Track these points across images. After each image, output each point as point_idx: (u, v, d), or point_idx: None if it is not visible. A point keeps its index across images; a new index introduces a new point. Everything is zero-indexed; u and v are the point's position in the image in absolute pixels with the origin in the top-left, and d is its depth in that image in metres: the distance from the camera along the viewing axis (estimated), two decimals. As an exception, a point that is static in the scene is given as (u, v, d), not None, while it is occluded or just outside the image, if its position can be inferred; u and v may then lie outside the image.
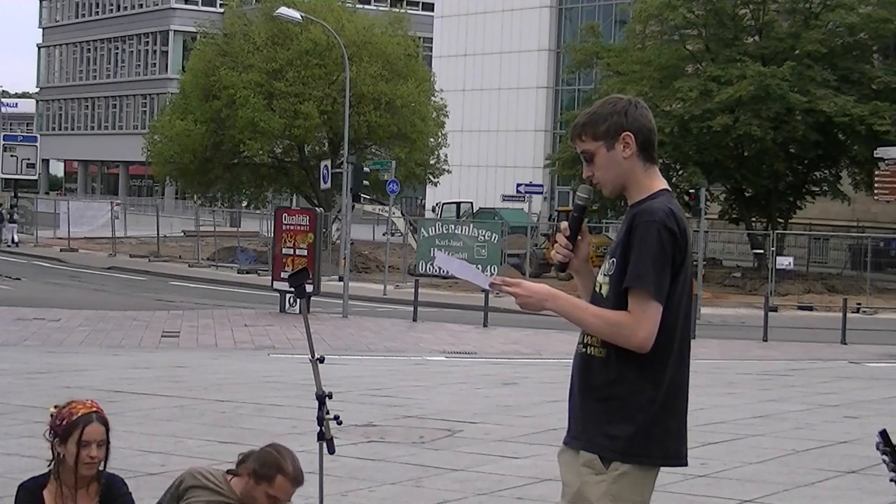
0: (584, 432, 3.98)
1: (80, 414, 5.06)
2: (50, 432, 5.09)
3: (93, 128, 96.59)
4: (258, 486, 5.25)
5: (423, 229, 41.09)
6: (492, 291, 4.20)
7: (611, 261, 3.97)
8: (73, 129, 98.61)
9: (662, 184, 4.04)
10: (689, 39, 44.13)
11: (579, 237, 4.13)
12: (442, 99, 49.83)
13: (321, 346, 18.37)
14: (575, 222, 4.11)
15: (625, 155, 4.00)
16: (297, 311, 24.94)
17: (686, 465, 4.05)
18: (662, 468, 4.06)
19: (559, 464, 4.09)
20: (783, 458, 10.47)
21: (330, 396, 5.67)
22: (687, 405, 4.06)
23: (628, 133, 3.98)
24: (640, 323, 3.84)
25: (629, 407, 3.90)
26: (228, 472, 5.42)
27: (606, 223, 43.34)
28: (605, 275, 4.00)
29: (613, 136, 3.99)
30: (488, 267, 36.57)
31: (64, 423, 5.03)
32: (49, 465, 5.15)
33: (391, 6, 72.72)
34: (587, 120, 4.05)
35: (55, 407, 5.15)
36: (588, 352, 4.00)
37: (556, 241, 4.15)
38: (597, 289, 4.02)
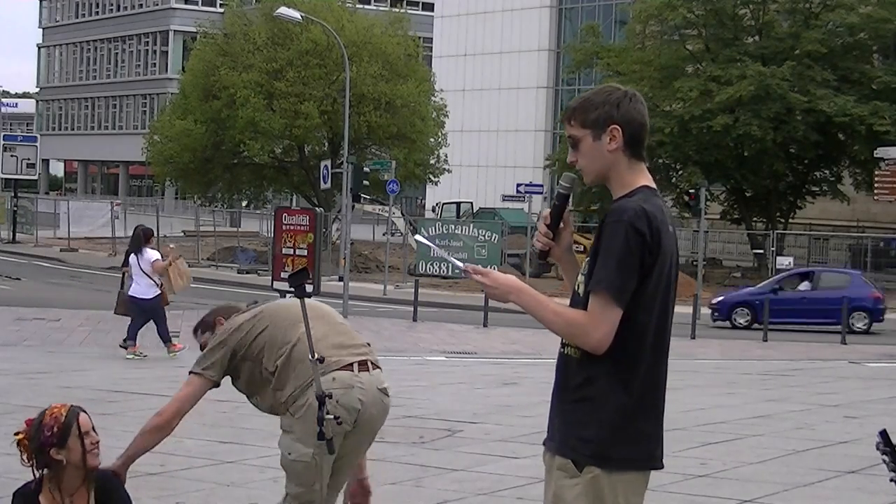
0: (558, 433, 3.93)
1: (64, 413, 5.08)
2: (38, 449, 5.02)
3: (93, 128, 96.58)
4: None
5: (423, 229, 41.09)
6: (465, 276, 4.09)
7: (588, 260, 3.91)
8: (73, 129, 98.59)
9: (645, 181, 3.94)
10: (689, 39, 44.17)
11: (561, 225, 4.04)
12: (442, 99, 49.82)
13: (321, 346, 18.34)
14: (557, 210, 4.03)
15: (610, 147, 3.91)
16: (297, 311, 24.92)
17: (661, 468, 3.97)
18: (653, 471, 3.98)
19: (544, 464, 4.05)
20: (783, 458, 10.48)
21: (330, 396, 5.67)
22: (663, 407, 3.97)
23: (616, 126, 3.89)
24: (596, 324, 3.78)
25: (601, 409, 3.83)
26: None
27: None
28: (582, 274, 3.94)
29: (601, 127, 3.90)
30: (489, 266, 36.57)
31: (56, 429, 5.01)
32: (37, 477, 5.12)
33: (391, 6, 72.72)
34: (579, 105, 3.97)
35: (18, 434, 5.10)
36: (566, 352, 3.95)
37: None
38: (576, 288, 3.97)
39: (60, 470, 5.03)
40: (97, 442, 5.09)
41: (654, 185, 3.97)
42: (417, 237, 6.23)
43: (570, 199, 4.10)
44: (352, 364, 5.69)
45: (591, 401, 3.84)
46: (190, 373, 5.79)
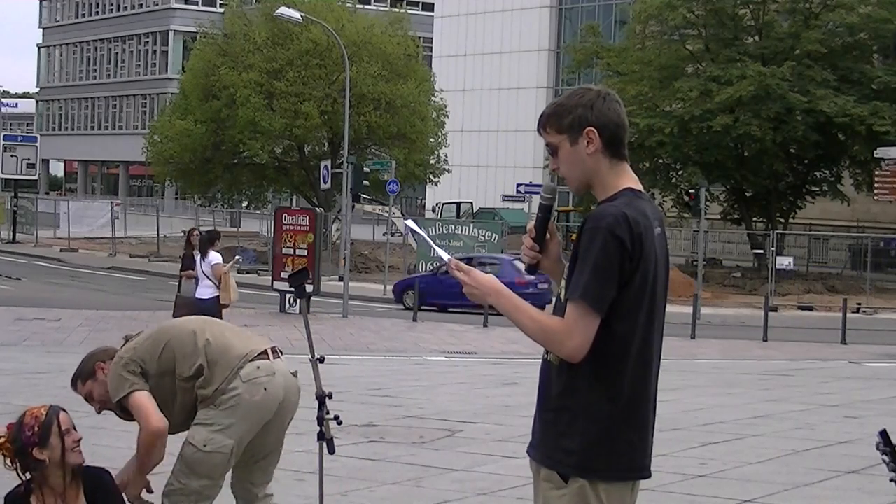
0: (540, 444, 3.86)
1: (44, 412, 5.10)
2: (21, 450, 5.04)
3: (93, 128, 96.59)
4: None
5: (423, 229, 41.07)
6: (448, 269, 4.00)
7: (568, 266, 3.83)
8: (73, 129, 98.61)
9: (630, 182, 3.84)
10: (689, 39, 44.17)
11: (548, 237, 3.96)
12: (442, 99, 49.81)
13: (321, 346, 18.35)
14: (541, 222, 3.95)
15: (588, 151, 3.80)
16: (297, 311, 24.94)
17: (649, 476, 3.89)
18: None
19: (531, 471, 4.00)
20: (783, 458, 10.48)
21: (330, 396, 5.68)
22: (653, 415, 3.88)
23: (592, 128, 3.79)
24: (571, 333, 3.69)
25: (582, 419, 3.74)
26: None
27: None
28: (564, 279, 3.86)
29: (577, 131, 3.80)
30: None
31: (37, 428, 5.04)
32: (24, 481, 5.12)
33: (391, 6, 72.73)
34: (552, 111, 3.87)
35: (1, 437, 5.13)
36: (548, 358, 3.85)
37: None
38: (560, 294, 3.88)
39: (44, 470, 5.03)
40: (79, 440, 5.10)
41: (639, 187, 3.87)
42: (408, 222, 6.23)
43: (553, 209, 4.01)
44: (266, 351, 5.80)
45: (572, 410, 3.76)
46: (122, 399, 5.68)
